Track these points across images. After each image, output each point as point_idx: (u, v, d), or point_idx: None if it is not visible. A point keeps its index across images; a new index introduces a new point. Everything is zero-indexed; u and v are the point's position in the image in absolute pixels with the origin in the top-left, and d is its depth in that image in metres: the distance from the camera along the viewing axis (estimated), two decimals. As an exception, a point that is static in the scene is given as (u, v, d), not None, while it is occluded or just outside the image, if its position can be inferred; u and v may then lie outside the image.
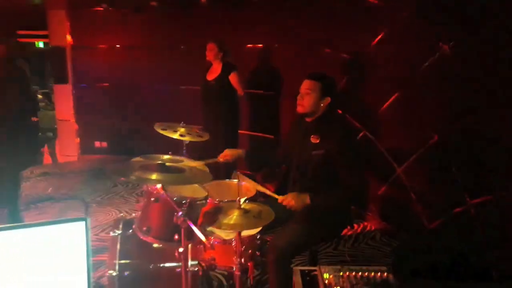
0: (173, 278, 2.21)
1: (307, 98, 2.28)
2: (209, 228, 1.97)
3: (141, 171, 1.79)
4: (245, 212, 1.94)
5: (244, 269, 2.12)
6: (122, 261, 2.23)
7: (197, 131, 3.04)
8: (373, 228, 3.80)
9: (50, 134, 6.12)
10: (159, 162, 1.83)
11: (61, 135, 5.98)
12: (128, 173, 1.73)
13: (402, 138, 3.50)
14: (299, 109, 2.32)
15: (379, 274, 1.85)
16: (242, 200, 1.97)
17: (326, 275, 1.84)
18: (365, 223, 3.86)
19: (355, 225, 3.81)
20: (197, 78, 4.43)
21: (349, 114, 3.87)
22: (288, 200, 2.15)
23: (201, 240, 1.86)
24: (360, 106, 3.85)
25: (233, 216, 1.91)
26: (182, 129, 2.98)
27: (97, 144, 5.88)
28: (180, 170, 1.86)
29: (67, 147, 5.93)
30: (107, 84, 5.68)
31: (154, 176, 1.76)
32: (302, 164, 2.34)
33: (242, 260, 2.02)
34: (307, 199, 2.14)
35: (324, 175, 2.26)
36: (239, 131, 4.51)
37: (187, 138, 2.94)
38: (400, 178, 3.46)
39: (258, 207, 2.02)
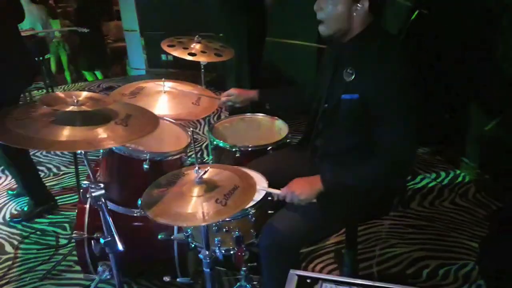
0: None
1: (327, 6, 1.33)
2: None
3: (49, 124, 1.18)
4: (209, 188, 1.25)
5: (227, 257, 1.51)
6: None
7: (218, 47, 2.30)
8: (466, 179, 2.81)
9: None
10: (70, 109, 1.17)
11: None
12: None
13: None
14: (321, 29, 1.39)
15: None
16: (201, 170, 1.26)
17: (320, 304, 1.13)
18: (457, 172, 2.88)
19: (443, 173, 2.87)
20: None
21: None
22: (292, 191, 1.37)
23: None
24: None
25: (187, 198, 1.23)
26: (197, 46, 2.26)
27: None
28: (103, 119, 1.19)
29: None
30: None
31: (65, 133, 1.14)
32: (328, 113, 1.50)
33: (218, 248, 1.41)
34: (318, 184, 1.36)
35: (359, 132, 1.41)
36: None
37: (200, 59, 2.22)
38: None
39: (234, 177, 1.31)
